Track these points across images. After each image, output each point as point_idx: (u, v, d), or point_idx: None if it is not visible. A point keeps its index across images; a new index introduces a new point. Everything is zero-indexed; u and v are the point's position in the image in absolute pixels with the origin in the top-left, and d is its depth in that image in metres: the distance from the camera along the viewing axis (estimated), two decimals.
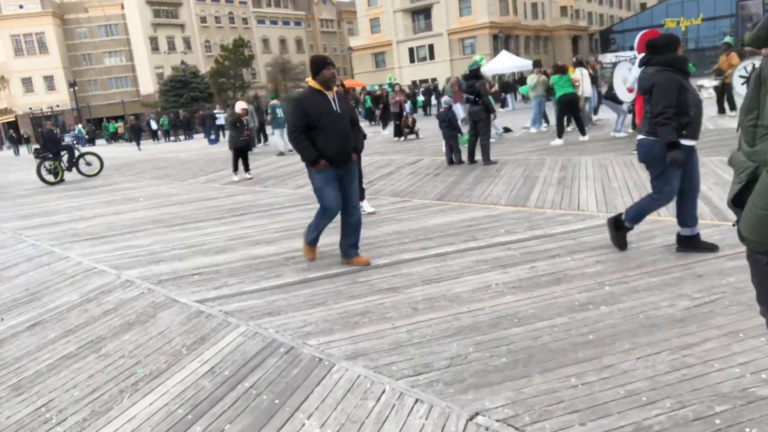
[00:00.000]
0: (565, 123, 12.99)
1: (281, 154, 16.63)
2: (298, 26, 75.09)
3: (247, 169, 11.89)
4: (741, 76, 10.77)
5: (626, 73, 10.35)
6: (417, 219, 6.70)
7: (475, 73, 10.69)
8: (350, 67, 50.45)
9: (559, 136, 11.99)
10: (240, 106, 11.75)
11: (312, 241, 5.22)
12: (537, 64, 15.00)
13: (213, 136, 26.75)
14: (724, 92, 12.82)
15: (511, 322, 3.60)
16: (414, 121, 17.13)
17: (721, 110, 13.10)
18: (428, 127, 19.36)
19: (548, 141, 12.27)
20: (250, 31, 68.85)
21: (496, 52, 45.91)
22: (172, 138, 35.01)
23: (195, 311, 4.40)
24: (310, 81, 4.89)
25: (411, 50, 57.75)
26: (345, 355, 3.38)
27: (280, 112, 16.77)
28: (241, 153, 11.60)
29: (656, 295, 3.76)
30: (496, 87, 13.63)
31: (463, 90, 10.88)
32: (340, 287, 4.59)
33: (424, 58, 56.85)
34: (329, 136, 4.79)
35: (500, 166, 9.77)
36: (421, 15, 57.48)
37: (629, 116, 12.04)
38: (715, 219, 5.38)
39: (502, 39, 49.64)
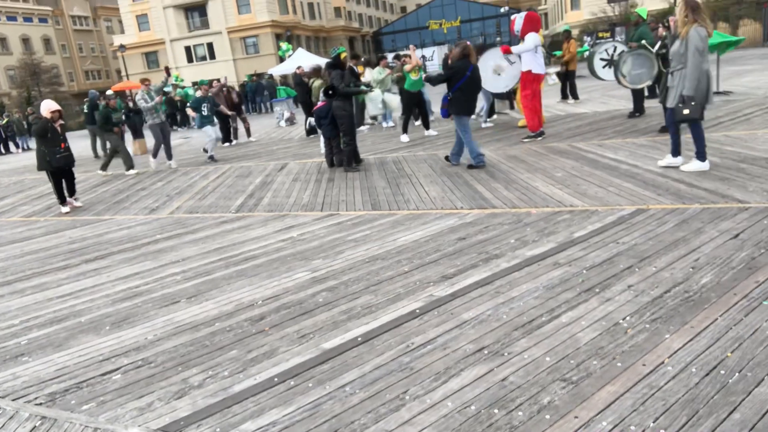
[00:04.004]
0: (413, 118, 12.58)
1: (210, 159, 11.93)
2: (43, 23, 64.46)
3: (72, 192, 8.83)
4: (602, 59, 11.12)
5: (500, 61, 9.93)
6: (378, 237, 5.21)
7: (332, 63, 9.15)
8: (124, 68, 44.43)
9: (404, 131, 11.37)
10: (48, 107, 8.32)
11: None
12: (384, 57, 14.19)
13: None
14: (567, 79, 13.38)
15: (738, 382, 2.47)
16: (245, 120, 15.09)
17: (564, 96, 13.70)
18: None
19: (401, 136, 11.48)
20: None
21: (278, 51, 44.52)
22: None
23: None
24: None
25: (188, 49, 53.32)
26: None
27: (206, 110, 12.04)
28: (63, 173, 8.52)
29: None
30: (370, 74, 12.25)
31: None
32: (400, 358, 2.99)
33: (204, 58, 52.95)
34: None
35: (400, 166, 8.62)
36: (196, 12, 53.38)
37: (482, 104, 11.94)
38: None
39: (286, 38, 48.45)
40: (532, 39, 8.66)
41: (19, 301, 4.76)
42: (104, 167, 11.95)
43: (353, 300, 3.84)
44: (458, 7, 70.69)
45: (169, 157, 11.79)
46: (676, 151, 6.34)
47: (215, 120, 12.53)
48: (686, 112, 5.81)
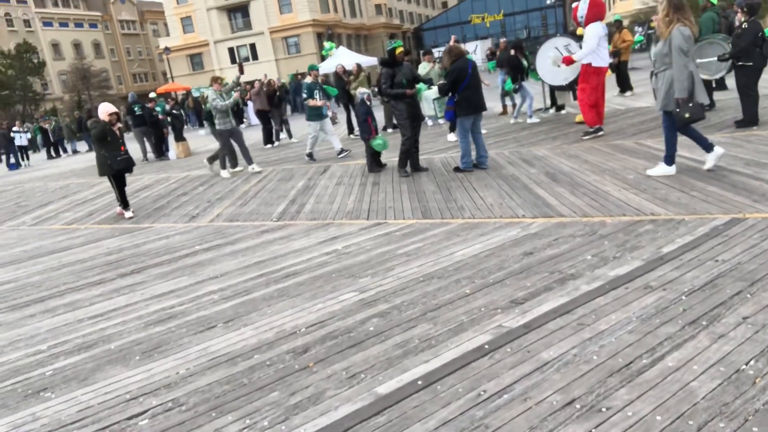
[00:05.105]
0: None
1: (342, 152, 10.49)
2: (93, 28, 66.43)
3: (125, 202, 8.31)
4: None
5: (557, 51, 9.24)
6: (432, 251, 4.70)
7: (384, 60, 8.54)
8: (169, 70, 45.14)
9: (452, 129, 10.74)
10: (105, 110, 7.87)
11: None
12: (428, 51, 13.62)
13: (12, 161, 21.52)
14: (620, 71, 12.57)
15: None
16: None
17: (623, 90, 12.88)
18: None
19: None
20: (35, 35, 59.09)
21: (321, 51, 44.47)
22: None
23: None
24: None
25: (231, 50, 53.86)
26: None
27: (318, 97, 10.33)
28: (121, 178, 8.12)
29: None
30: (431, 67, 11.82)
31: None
32: (471, 411, 2.48)
33: (247, 59, 53.31)
34: None
35: (449, 168, 8.08)
36: (238, 13, 53.91)
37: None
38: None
39: (327, 37, 48.35)
40: (594, 32, 7.94)
41: (49, 321, 4.46)
42: (232, 165, 10.82)
43: (409, 330, 3.35)
44: None
45: (249, 161, 10.42)
46: (708, 147, 5.81)
47: (325, 111, 10.71)
48: (687, 115, 5.44)
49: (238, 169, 10.77)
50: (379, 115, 12.04)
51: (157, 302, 4.51)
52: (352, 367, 3.03)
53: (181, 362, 3.40)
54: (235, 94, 10.43)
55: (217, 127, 10.31)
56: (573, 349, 2.85)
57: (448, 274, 4.12)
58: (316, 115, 10.53)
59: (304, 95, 10.58)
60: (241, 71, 10.66)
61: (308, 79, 10.85)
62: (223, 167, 10.58)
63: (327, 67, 26.73)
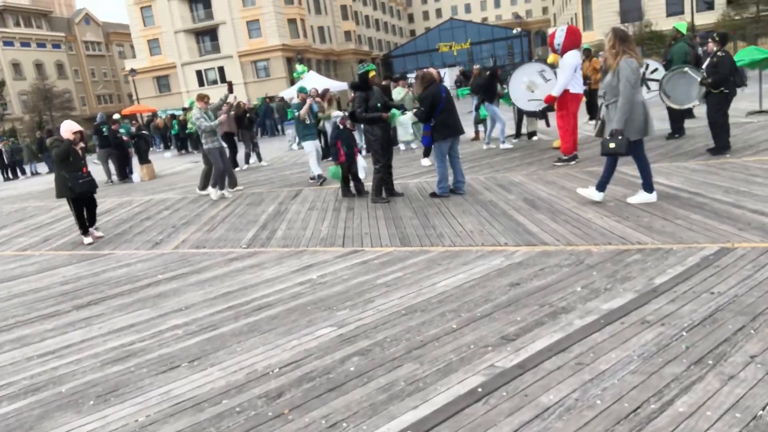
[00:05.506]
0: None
1: (317, 178, 10.01)
2: (57, 49, 65.07)
3: (93, 221, 7.88)
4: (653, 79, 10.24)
5: (534, 77, 9.23)
6: (413, 281, 4.46)
7: (356, 83, 8.31)
8: (135, 92, 44.30)
9: (426, 154, 10.70)
10: (69, 127, 7.40)
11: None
12: (403, 77, 13.57)
13: None
14: (591, 98, 12.70)
15: None
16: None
17: (592, 117, 13.01)
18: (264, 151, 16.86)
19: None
20: None
21: (290, 75, 44.45)
22: None
23: None
24: None
25: (199, 73, 53.44)
26: None
27: (309, 118, 9.98)
28: (84, 201, 7.67)
29: None
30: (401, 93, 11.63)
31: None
32: None
33: (215, 82, 52.92)
34: None
35: (425, 193, 7.90)
36: (207, 36, 53.64)
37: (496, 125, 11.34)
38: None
39: (298, 60, 48.33)
40: (570, 62, 7.92)
41: None
42: (231, 185, 10.25)
43: (393, 370, 3.08)
44: (468, 29, 70.81)
45: (222, 185, 9.94)
46: (602, 187, 5.96)
47: (317, 133, 10.48)
48: (612, 146, 5.54)
49: (203, 192, 10.36)
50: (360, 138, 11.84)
51: (116, 338, 4.14)
52: (332, 414, 2.74)
53: (140, 408, 3.06)
54: (220, 117, 9.95)
55: (206, 146, 9.80)
56: (574, 393, 2.63)
57: (431, 307, 3.88)
58: (310, 134, 10.15)
59: (295, 113, 10.35)
60: (231, 90, 10.23)
61: (296, 101, 10.80)
62: (213, 186, 9.90)
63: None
